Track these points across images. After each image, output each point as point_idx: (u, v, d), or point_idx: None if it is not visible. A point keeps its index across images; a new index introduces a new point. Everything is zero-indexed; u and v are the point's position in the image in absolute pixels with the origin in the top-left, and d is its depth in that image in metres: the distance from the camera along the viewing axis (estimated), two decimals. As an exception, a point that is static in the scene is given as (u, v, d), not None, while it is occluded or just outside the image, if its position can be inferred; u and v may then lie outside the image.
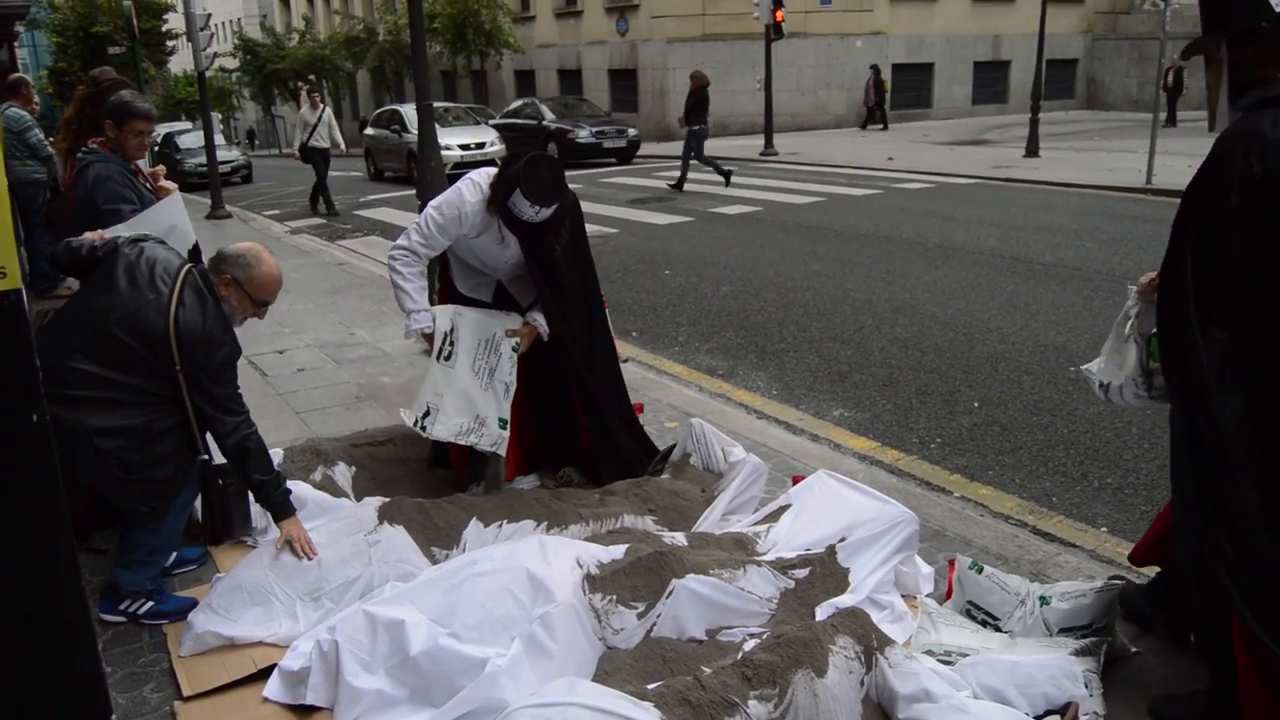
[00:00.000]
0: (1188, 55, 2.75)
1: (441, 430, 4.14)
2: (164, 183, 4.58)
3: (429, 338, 4.22)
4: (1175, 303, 2.48)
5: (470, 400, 4.16)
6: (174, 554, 3.91)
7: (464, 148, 20.55)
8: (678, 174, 17.30)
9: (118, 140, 4.30)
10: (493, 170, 4.14)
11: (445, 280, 4.55)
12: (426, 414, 4.13)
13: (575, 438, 4.60)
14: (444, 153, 15.62)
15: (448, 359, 4.17)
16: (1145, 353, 3.11)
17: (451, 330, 4.20)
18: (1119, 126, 26.29)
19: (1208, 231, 2.41)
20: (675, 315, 8.57)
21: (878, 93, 30.18)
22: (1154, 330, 2.91)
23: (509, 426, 4.22)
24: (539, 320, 4.31)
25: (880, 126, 30.14)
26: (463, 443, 4.17)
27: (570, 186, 4.18)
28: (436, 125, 8.78)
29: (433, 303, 4.45)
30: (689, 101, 17.25)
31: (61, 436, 3.16)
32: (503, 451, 4.23)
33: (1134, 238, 11.09)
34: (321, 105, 17.22)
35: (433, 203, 4.15)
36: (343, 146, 18.00)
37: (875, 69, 30.23)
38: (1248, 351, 2.37)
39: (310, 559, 3.57)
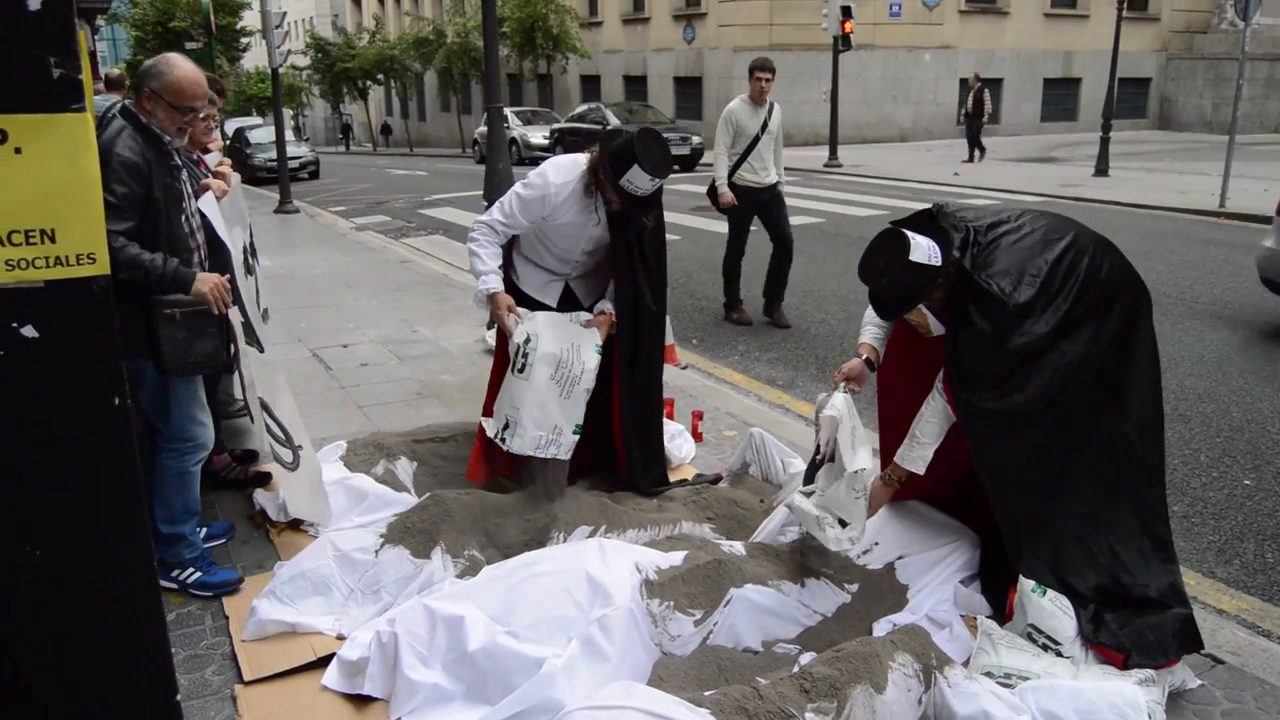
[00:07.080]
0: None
1: (519, 444, 4.06)
2: (210, 181, 4.42)
3: (503, 344, 4.20)
4: None
5: (547, 412, 4.06)
6: (203, 529, 3.98)
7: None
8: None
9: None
10: (575, 156, 4.14)
11: (508, 284, 4.38)
12: (506, 426, 4.08)
13: (611, 436, 4.52)
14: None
15: (521, 371, 4.06)
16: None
17: (527, 341, 4.08)
18: (1192, 148, 25.76)
19: None
20: (736, 324, 8.54)
21: None
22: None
23: (581, 432, 4.13)
24: (608, 307, 4.27)
25: None
26: (541, 455, 4.08)
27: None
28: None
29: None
30: None
31: None
32: (567, 456, 4.14)
33: (1206, 261, 10.85)
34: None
35: (518, 183, 4.15)
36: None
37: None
38: None
39: (227, 307, 3.45)
